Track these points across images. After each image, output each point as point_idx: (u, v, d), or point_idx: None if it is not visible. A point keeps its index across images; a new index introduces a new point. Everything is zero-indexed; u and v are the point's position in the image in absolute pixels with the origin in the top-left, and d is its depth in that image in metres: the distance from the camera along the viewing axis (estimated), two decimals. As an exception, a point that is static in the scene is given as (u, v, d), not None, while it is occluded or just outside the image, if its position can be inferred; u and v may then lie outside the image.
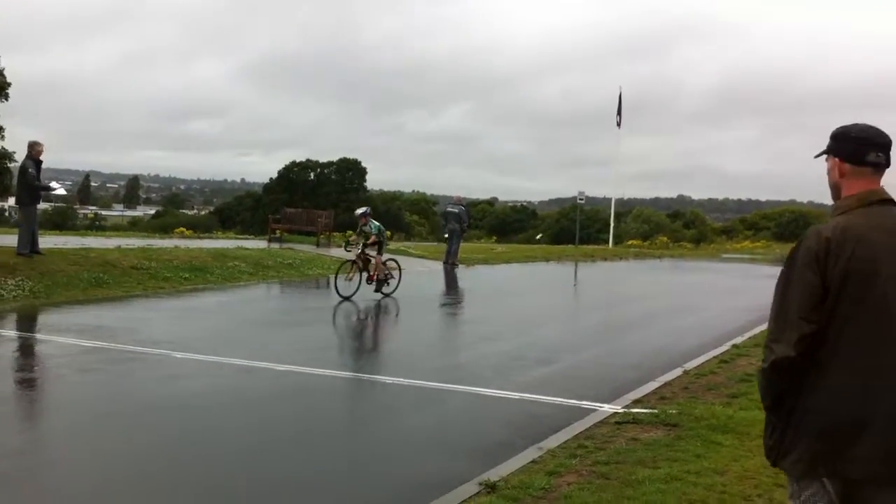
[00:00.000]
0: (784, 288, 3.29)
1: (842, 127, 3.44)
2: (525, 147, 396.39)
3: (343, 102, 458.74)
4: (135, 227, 71.68)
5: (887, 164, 3.35)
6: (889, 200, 3.33)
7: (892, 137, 3.41)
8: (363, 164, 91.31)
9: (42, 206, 16.64)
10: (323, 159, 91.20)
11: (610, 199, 45.89)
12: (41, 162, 16.16)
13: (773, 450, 3.39)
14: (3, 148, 47.74)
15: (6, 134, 48.45)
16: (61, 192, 18.24)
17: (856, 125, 3.40)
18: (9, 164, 47.69)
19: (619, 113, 38.93)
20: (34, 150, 15.98)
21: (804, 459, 3.25)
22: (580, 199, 38.14)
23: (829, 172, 3.44)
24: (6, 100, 47.70)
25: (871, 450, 3.16)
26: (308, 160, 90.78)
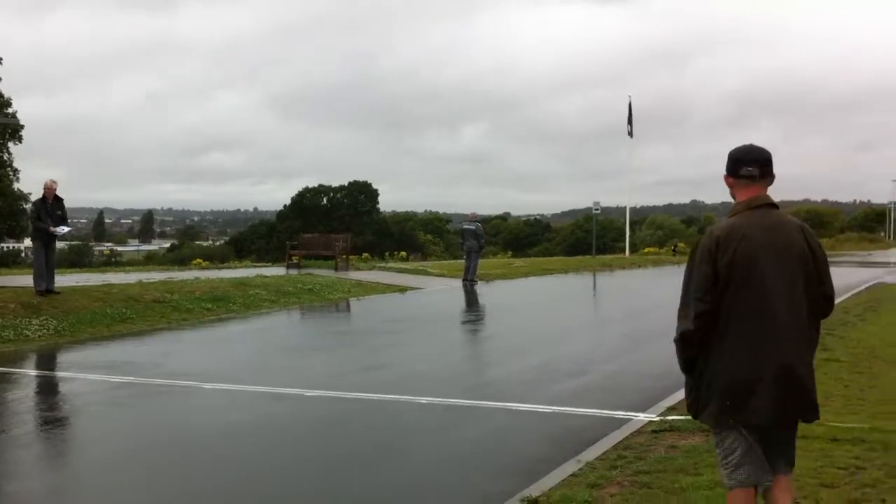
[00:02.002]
0: (687, 277, 4.19)
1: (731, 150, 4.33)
2: (539, 163, 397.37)
3: (359, 129, 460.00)
4: (151, 261, 72.17)
5: (762, 176, 4.17)
6: (770, 204, 4.18)
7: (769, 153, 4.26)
8: (374, 186, 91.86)
9: (59, 244, 16.87)
10: (335, 184, 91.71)
11: (623, 208, 45.89)
12: (48, 200, 16.07)
13: (692, 406, 4.24)
14: (18, 189, 48.39)
15: (21, 175, 49.10)
16: (62, 230, 18.39)
17: (737, 147, 4.28)
18: (24, 206, 48.25)
19: (629, 122, 38.92)
20: (44, 187, 16.20)
21: (714, 413, 4.08)
22: (595, 210, 38.09)
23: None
24: (20, 142, 48.47)
25: (765, 401, 3.98)
26: (320, 185, 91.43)
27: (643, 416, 8.28)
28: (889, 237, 79.24)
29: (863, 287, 22.87)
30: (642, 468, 6.50)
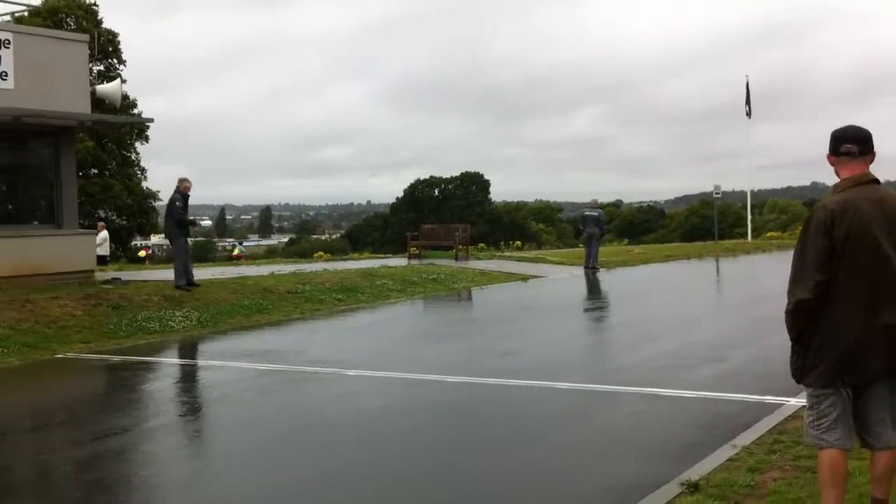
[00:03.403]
0: (801, 249, 4.46)
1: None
2: (652, 147, 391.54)
3: (471, 117, 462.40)
4: (272, 255, 74.09)
5: (862, 153, 4.52)
6: (874, 180, 4.55)
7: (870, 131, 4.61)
8: (486, 177, 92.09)
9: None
10: (447, 175, 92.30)
11: (740, 192, 45.05)
12: (188, 197, 16.98)
13: (798, 370, 4.61)
14: (147, 188, 50.47)
15: (148, 174, 51.20)
16: (207, 223, 19.65)
17: (837, 128, 4.63)
18: (153, 203, 50.33)
19: (747, 103, 37.79)
20: (182, 185, 16.91)
21: (825, 374, 4.44)
22: (716, 194, 37.25)
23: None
24: (146, 142, 50.46)
25: (879, 357, 4.38)
26: (432, 177, 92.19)
27: (794, 401, 8.07)
28: None
29: None
30: (802, 453, 6.36)
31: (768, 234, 43.60)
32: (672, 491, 5.77)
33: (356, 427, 8.00)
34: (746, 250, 32.95)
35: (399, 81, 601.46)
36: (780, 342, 11.31)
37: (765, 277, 22.87)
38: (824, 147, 4.73)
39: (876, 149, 4.68)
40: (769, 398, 8.30)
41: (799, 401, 8.07)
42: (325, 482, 6.39)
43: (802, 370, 4.57)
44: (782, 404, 8.03)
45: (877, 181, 4.58)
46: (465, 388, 9.42)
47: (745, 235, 42.37)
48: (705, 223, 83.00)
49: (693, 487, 5.75)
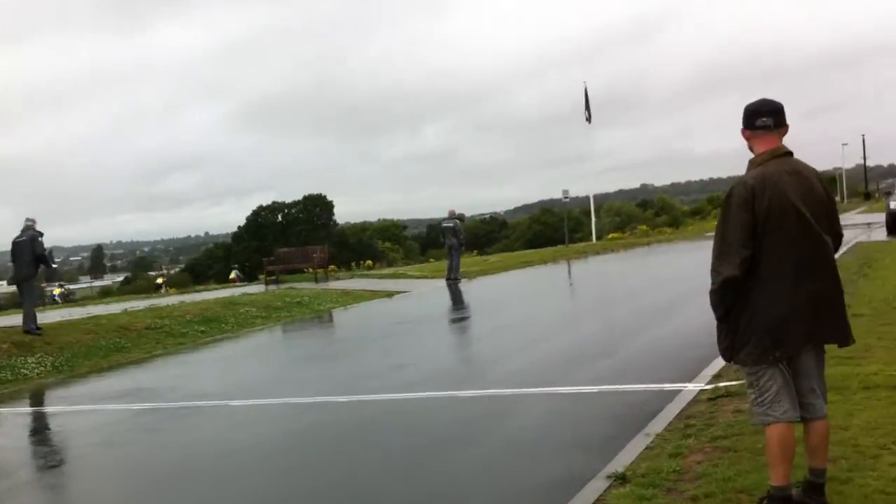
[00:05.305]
0: (723, 226, 4.44)
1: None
2: (493, 159, 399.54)
3: (320, 138, 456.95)
4: (108, 296, 70.64)
5: (777, 126, 4.51)
6: (789, 153, 4.54)
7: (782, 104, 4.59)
8: (329, 199, 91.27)
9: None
10: (289, 199, 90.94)
11: (575, 198, 46.65)
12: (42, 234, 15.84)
13: (728, 350, 4.57)
14: (-29, 234, 47.14)
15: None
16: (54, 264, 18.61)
17: (750, 102, 4.60)
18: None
19: (587, 108, 38.97)
20: (34, 224, 15.70)
21: (755, 352, 4.40)
22: (565, 199, 38.09)
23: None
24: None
25: (800, 327, 4.35)
26: (274, 202, 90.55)
27: (692, 386, 8.22)
28: (843, 201, 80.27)
29: (844, 249, 23.17)
30: (718, 434, 6.43)
31: (610, 236, 45.14)
32: (601, 485, 5.69)
33: (256, 456, 7.54)
34: (596, 251, 33.93)
35: (246, 105, 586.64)
36: (662, 332, 11.71)
37: (624, 275, 23.55)
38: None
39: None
40: (667, 385, 8.41)
41: (696, 385, 8.25)
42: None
43: (732, 349, 4.53)
44: (681, 390, 8.15)
45: (791, 153, 4.57)
46: (362, 406, 9.10)
47: (587, 239, 43.70)
48: (547, 230, 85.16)
49: (621, 479, 5.69)
